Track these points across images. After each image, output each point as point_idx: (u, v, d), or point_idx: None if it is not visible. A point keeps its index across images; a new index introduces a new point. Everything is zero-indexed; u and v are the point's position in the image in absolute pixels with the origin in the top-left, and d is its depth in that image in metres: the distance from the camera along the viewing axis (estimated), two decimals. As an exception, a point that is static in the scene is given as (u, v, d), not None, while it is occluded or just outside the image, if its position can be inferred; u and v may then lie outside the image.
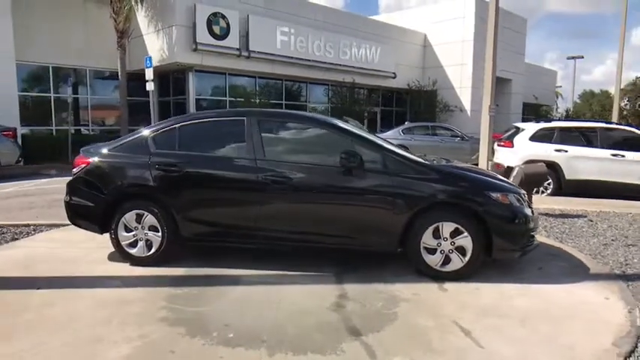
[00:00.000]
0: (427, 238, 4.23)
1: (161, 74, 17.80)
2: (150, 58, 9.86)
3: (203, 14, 15.73)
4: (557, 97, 45.38)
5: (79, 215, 4.80)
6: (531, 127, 10.39)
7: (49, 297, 3.82)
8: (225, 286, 4.10)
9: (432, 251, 4.24)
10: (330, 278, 4.30)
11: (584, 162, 9.52)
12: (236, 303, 3.76)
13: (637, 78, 34.87)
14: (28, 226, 6.30)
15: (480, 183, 4.39)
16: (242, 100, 17.35)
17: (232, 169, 4.47)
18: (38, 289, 3.99)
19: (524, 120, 30.34)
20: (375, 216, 4.27)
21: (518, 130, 10.67)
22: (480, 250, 4.18)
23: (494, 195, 4.22)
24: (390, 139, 10.73)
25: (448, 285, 4.14)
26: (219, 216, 4.52)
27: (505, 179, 4.95)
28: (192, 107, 17.09)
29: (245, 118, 4.61)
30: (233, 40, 16.67)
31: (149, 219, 4.52)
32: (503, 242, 4.21)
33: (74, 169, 4.79)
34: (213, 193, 4.51)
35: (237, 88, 18.64)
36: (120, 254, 4.65)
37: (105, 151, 4.77)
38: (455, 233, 4.19)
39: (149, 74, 9.81)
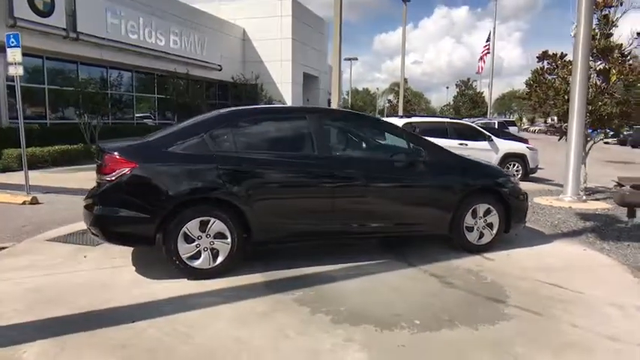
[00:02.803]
0: (468, 219, 4.99)
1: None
2: (16, 35, 7.83)
3: (21, -17, 12.98)
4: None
5: (123, 230, 4.00)
6: (398, 122, 12.10)
7: (166, 326, 3.24)
8: (327, 284, 4.09)
9: (470, 229, 5.04)
10: (398, 263, 4.68)
11: (441, 150, 11.67)
12: (363, 295, 3.86)
13: (405, 80, 42.62)
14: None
15: (502, 171, 5.37)
16: (72, 88, 14.92)
17: (306, 166, 4.40)
18: (133, 322, 3.33)
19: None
20: (437, 203, 4.83)
21: (387, 125, 12.27)
22: (502, 225, 5.15)
23: (512, 180, 5.27)
24: None
25: (487, 255, 5.01)
26: (296, 216, 4.38)
27: None
28: (1, 96, 13.95)
29: (308, 115, 4.59)
30: (59, 19, 14.22)
31: (216, 226, 4.10)
32: (516, 218, 5.26)
33: (110, 174, 3.94)
34: (290, 192, 4.36)
35: (59, 75, 15.90)
36: (181, 270, 4.07)
37: (153, 150, 4.09)
38: (486, 212, 5.07)
39: (13, 55, 7.84)
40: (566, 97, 8.98)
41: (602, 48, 8.35)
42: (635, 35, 8.63)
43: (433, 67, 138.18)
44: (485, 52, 38.75)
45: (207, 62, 22.08)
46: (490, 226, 5.10)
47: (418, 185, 4.78)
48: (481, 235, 5.09)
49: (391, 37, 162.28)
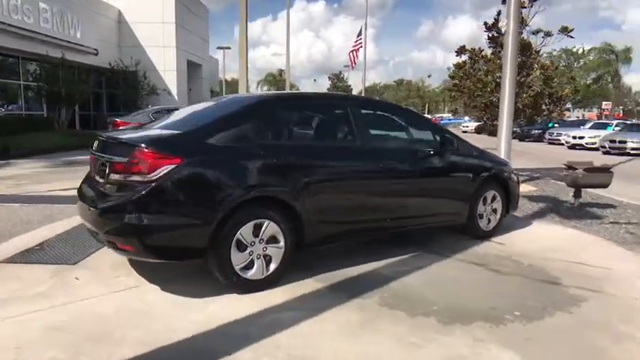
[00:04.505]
0: (480, 206, 5.14)
1: None
2: None
3: None
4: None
5: (169, 243, 3.27)
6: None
7: (276, 353, 2.74)
8: (391, 283, 3.84)
9: (481, 216, 5.19)
10: (431, 255, 4.61)
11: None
12: (438, 291, 3.71)
13: (280, 71, 42.90)
14: None
15: (502, 159, 5.60)
16: None
17: (355, 159, 4.10)
18: (230, 354, 2.75)
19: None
20: (464, 192, 4.87)
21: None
22: (504, 210, 5.41)
23: (510, 166, 5.54)
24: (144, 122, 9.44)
25: (496, 240, 5.22)
26: (349, 212, 4.05)
27: None
28: None
29: (344, 102, 4.34)
30: None
31: (270, 229, 3.59)
32: (513, 202, 5.55)
33: (148, 174, 3.17)
34: (343, 187, 4.00)
35: None
36: (232, 283, 3.48)
37: (195, 143, 3.42)
38: (493, 199, 5.27)
39: None
40: (488, 88, 9.81)
41: (522, 45, 9.24)
42: (543, 34, 9.76)
43: (294, 60, 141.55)
44: (358, 46, 40.58)
45: (81, 45, 19.55)
46: (495, 211, 5.31)
47: (455, 176, 4.81)
48: (488, 221, 5.28)
49: (251, 28, 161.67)
